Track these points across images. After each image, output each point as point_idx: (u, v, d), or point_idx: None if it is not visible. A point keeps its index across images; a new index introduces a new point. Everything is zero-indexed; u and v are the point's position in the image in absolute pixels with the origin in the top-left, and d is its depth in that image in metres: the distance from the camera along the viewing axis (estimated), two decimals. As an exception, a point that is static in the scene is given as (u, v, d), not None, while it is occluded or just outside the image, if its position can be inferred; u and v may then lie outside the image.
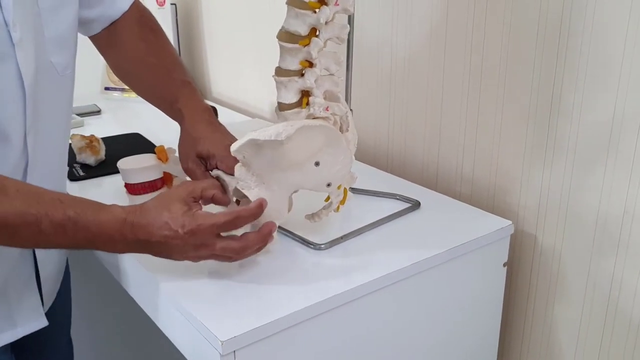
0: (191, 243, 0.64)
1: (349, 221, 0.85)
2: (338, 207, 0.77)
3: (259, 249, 0.69)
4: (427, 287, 0.79)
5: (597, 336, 0.84)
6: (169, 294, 0.70)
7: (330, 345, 0.71)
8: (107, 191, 1.00)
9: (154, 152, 0.93)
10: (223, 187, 0.74)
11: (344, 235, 0.81)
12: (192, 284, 0.71)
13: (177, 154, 0.87)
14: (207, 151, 0.77)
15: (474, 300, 0.86)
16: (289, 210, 0.76)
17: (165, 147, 0.94)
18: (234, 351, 0.62)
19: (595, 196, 0.79)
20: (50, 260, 0.81)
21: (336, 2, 0.67)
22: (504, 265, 0.88)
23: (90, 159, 1.10)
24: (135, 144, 1.23)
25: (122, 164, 0.92)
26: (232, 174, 0.74)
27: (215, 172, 0.77)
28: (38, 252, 0.77)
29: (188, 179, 0.85)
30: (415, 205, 0.91)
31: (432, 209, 0.90)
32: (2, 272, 0.74)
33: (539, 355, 0.92)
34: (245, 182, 0.70)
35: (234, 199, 0.77)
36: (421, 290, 0.78)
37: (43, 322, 0.82)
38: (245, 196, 0.72)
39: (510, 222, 0.86)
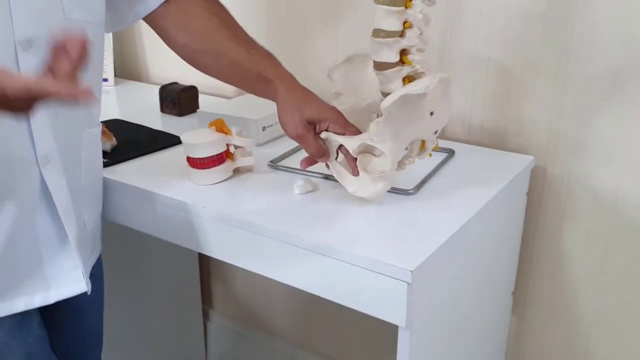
0: None
1: (406, 175, 0.95)
2: (430, 153, 0.88)
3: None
4: (492, 215, 0.94)
5: (602, 243, 1.06)
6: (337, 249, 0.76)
7: (468, 258, 0.83)
8: (167, 166, 1.00)
9: (215, 126, 0.95)
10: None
11: (420, 182, 0.92)
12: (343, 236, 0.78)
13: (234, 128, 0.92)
14: (317, 115, 0.83)
15: (507, 223, 1.04)
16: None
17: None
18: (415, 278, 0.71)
19: (597, 126, 1.01)
20: (72, 219, 0.81)
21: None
22: (526, 194, 1.07)
23: (106, 145, 1.06)
24: (129, 128, 1.20)
25: (187, 138, 0.93)
26: (342, 134, 0.82)
27: (325, 134, 0.84)
28: (60, 209, 0.78)
29: (249, 147, 0.91)
30: (451, 153, 1.05)
31: (464, 155, 1.05)
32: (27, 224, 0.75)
33: (552, 264, 1.13)
34: (381, 136, 0.78)
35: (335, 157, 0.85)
36: (491, 218, 0.93)
37: (81, 287, 0.82)
38: (372, 152, 0.80)
39: (532, 157, 1.04)
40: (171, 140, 1.11)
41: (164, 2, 0.88)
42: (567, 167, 1.05)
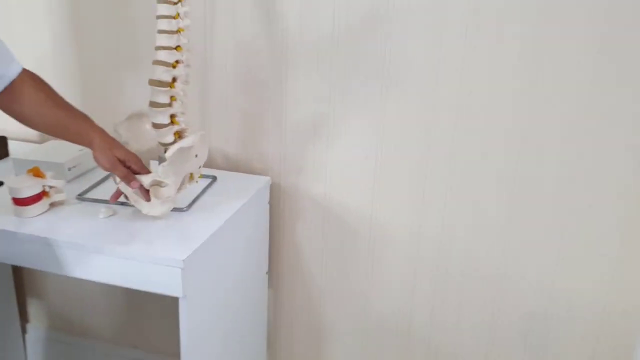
0: None
1: (183, 198, 1.36)
2: (197, 180, 1.30)
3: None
4: (243, 218, 1.38)
5: (320, 231, 1.57)
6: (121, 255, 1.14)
7: (227, 249, 1.26)
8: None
9: (32, 172, 1.27)
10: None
11: (192, 202, 1.34)
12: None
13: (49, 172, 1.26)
14: (124, 156, 1.19)
15: (256, 223, 1.50)
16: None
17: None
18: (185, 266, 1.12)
19: (310, 155, 1.51)
20: None
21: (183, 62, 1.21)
22: (268, 202, 1.54)
23: None
24: None
25: (12, 183, 1.23)
26: (139, 173, 1.21)
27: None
28: None
29: (60, 187, 1.27)
30: (214, 179, 1.48)
31: (223, 179, 1.49)
32: None
33: (291, 249, 1.61)
34: (166, 174, 1.19)
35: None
36: (243, 220, 1.38)
37: None
38: (159, 184, 1.20)
39: (269, 177, 1.52)
40: (-8, 184, 1.39)
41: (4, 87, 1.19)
42: (293, 182, 1.55)
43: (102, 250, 1.16)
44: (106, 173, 1.43)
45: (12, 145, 1.63)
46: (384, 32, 1.36)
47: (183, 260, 1.11)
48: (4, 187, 1.38)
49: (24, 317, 1.98)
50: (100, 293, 1.87)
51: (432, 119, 1.39)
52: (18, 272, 1.93)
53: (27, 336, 1.99)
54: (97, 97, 1.64)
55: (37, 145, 1.62)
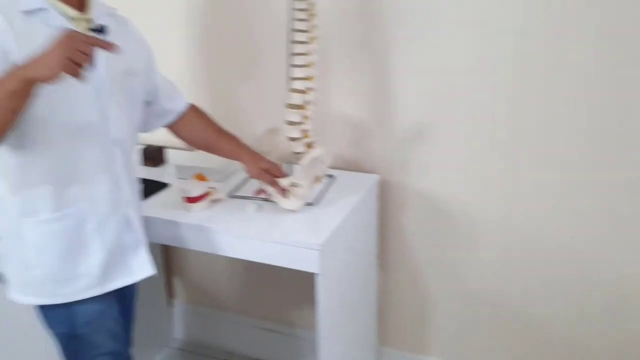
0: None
1: (310, 194, 1.69)
2: (321, 181, 1.62)
3: None
4: (360, 210, 1.69)
5: (425, 223, 1.85)
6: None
7: (349, 235, 1.57)
8: (168, 204, 1.66)
9: (197, 177, 1.63)
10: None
11: (317, 197, 1.66)
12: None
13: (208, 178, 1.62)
14: (267, 166, 1.55)
15: (369, 214, 1.80)
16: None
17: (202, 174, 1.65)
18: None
19: (414, 155, 1.80)
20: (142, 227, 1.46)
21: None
22: (378, 196, 1.84)
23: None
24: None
25: (184, 186, 1.60)
26: (283, 176, 1.54)
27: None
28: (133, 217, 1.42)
29: (219, 188, 1.63)
30: (333, 178, 1.79)
31: (340, 178, 1.80)
32: (116, 234, 1.39)
33: (398, 235, 1.91)
34: (302, 178, 1.52)
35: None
36: (360, 211, 1.69)
37: (151, 271, 1.47)
38: (295, 185, 1.53)
39: (379, 175, 1.82)
40: (162, 186, 1.77)
41: (176, 119, 1.57)
42: (400, 179, 1.84)
43: (254, 236, 1.50)
44: (247, 175, 1.78)
45: (171, 153, 2.02)
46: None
47: (320, 244, 1.43)
48: (172, 188, 1.76)
49: (170, 293, 2.39)
50: (234, 271, 2.24)
51: (517, 120, 1.64)
52: (165, 254, 2.34)
53: (174, 310, 2.40)
54: (225, 107, 2.00)
55: (188, 152, 2.00)
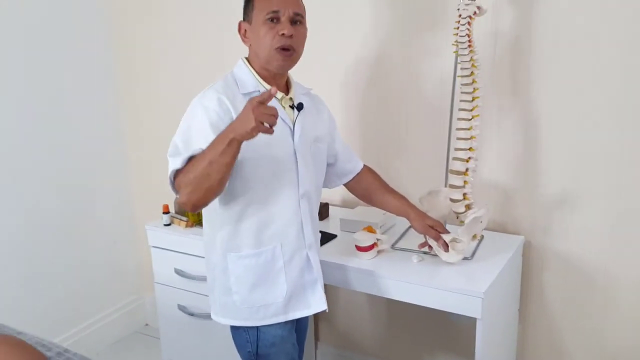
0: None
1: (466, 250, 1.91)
2: (478, 238, 1.85)
3: None
4: (508, 266, 1.88)
5: (562, 285, 2.02)
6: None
7: (502, 286, 1.78)
8: (341, 252, 1.93)
9: (367, 230, 1.90)
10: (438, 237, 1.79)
11: (473, 252, 1.88)
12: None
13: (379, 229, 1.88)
14: (432, 223, 1.79)
15: (515, 270, 1.99)
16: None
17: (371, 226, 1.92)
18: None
19: (554, 221, 1.98)
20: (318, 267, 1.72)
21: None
22: (522, 255, 2.03)
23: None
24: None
25: (358, 237, 1.87)
26: (446, 232, 1.78)
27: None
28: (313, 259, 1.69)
29: (384, 240, 1.88)
30: (482, 237, 2.01)
31: (489, 237, 2.01)
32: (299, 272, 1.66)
33: (539, 293, 2.07)
34: (463, 234, 1.76)
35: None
36: (508, 267, 1.89)
37: (324, 306, 1.71)
38: (456, 240, 1.76)
39: (523, 236, 2.02)
40: (332, 237, 2.06)
41: (353, 177, 1.87)
42: (543, 242, 2.03)
43: (419, 282, 1.74)
44: (404, 229, 2.04)
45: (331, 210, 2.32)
46: (621, 130, 1.83)
47: (484, 292, 1.64)
48: (339, 238, 2.04)
49: (316, 336, 2.64)
50: (379, 318, 2.47)
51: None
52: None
53: (318, 352, 2.64)
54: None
55: (348, 210, 2.29)
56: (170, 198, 2.36)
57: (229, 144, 1.41)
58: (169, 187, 1.55)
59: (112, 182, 2.91)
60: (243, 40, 1.64)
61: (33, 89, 2.52)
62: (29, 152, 2.53)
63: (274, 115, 1.38)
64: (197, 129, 1.53)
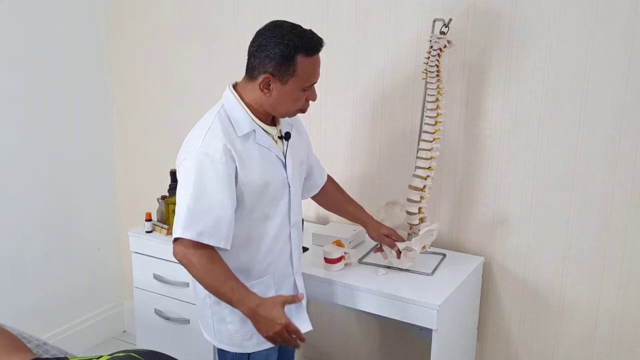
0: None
1: (427, 268, 2.04)
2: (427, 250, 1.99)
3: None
4: (466, 284, 2.01)
5: (520, 298, 2.14)
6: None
7: (457, 302, 1.90)
8: (314, 261, 2.05)
9: (336, 243, 2.02)
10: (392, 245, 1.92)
11: (434, 269, 2.01)
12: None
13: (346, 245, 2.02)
14: (387, 232, 1.93)
15: (474, 288, 2.12)
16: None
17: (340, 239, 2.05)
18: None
19: (510, 243, 2.12)
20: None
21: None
22: (481, 275, 2.16)
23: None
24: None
25: (327, 249, 1.99)
26: (400, 240, 1.91)
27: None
28: (299, 283, 1.81)
29: (351, 254, 2.00)
30: (444, 256, 2.14)
31: (450, 256, 2.14)
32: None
33: (497, 311, 2.20)
34: (415, 244, 1.90)
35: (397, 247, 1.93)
36: (466, 285, 2.01)
37: (308, 327, 1.84)
38: (409, 250, 1.90)
39: (483, 257, 2.15)
40: (304, 250, 2.17)
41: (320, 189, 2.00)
42: (502, 263, 2.16)
43: (385, 294, 1.86)
44: (371, 246, 2.16)
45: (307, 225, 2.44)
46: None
47: (439, 305, 1.77)
48: (315, 250, 2.16)
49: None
50: (341, 327, 2.58)
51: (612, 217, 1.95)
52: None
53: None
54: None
55: (321, 225, 2.41)
56: (153, 206, 2.48)
57: (233, 303, 1.56)
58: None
59: (97, 190, 3.00)
60: (261, 90, 1.60)
61: (17, 97, 2.58)
62: (13, 159, 2.60)
63: (295, 346, 1.56)
64: (210, 185, 1.56)
